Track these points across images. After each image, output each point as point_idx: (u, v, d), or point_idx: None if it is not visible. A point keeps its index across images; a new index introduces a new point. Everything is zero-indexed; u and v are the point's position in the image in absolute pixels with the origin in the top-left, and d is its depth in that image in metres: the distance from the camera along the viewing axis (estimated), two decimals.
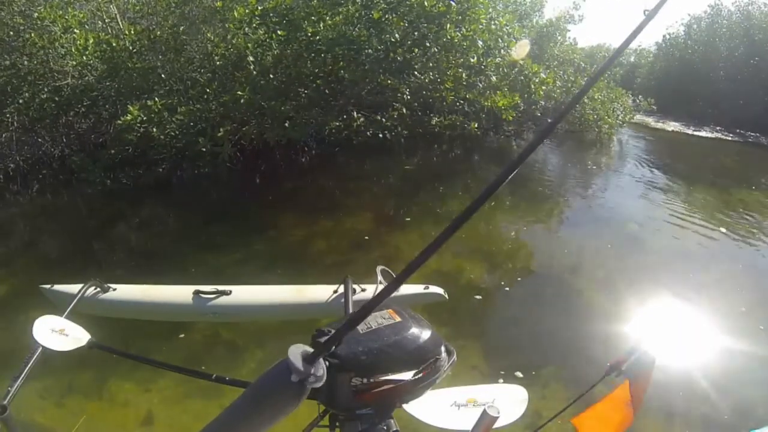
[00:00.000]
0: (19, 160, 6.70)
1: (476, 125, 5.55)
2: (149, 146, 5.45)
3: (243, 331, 3.14)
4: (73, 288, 2.07)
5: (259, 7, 5.37)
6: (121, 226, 5.40)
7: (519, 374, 2.81)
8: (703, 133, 12.52)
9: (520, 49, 5.66)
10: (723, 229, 5.18)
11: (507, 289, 3.89)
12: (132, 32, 5.91)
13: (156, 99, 5.22)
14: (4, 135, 6.52)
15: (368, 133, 5.36)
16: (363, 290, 1.99)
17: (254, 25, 5.51)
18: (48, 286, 2.19)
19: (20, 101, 6.22)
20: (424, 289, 2.08)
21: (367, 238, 4.69)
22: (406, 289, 2.10)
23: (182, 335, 3.10)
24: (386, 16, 5.31)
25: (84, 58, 6.02)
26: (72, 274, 4.02)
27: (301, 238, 4.69)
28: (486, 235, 4.85)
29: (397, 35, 5.23)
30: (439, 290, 2.10)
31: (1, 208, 6.17)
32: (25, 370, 1.39)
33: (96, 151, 6.43)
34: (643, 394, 1.09)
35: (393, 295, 1.70)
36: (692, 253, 4.59)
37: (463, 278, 3.96)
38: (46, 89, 6.26)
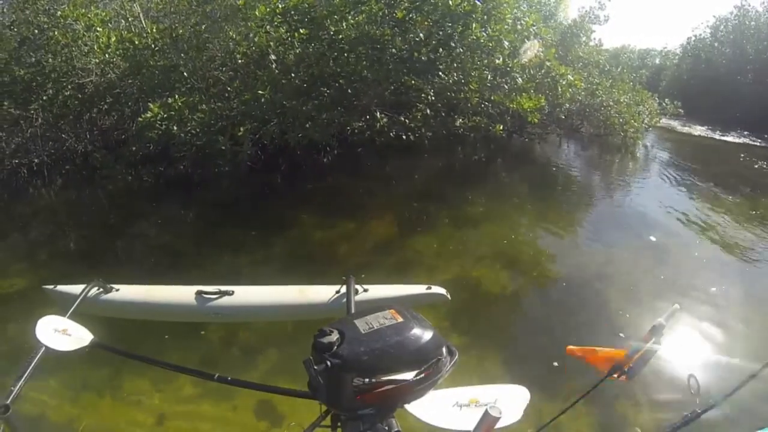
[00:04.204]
0: (43, 155, 6.79)
1: (501, 127, 5.42)
2: (170, 144, 5.46)
3: (257, 332, 3.11)
4: (76, 288, 2.07)
5: (281, 5, 5.33)
6: (142, 223, 5.40)
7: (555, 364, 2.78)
8: (729, 138, 12.16)
9: (529, 51, 5.52)
10: (752, 239, 4.96)
11: (528, 295, 3.78)
12: (154, 30, 5.93)
13: (177, 97, 5.21)
14: (29, 131, 6.61)
15: (391, 133, 5.27)
16: (366, 290, 1.99)
17: (276, 23, 5.48)
18: (51, 286, 2.20)
19: (44, 98, 6.30)
20: (426, 289, 2.07)
21: (388, 240, 4.60)
22: (408, 289, 2.11)
23: (196, 336, 3.07)
24: (410, 15, 5.23)
25: (106, 56, 6.08)
26: (90, 270, 4.06)
27: (322, 239, 4.63)
28: (510, 240, 4.72)
29: (421, 35, 5.14)
30: (442, 290, 2.09)
31: (25, 202, 6.26)
32: (28, 370, 1.39)
33: (119, 147, 6.49)
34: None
35: (395, 295, 1.74)
36: (720, 264, 4.39)
37: (484, 283, 3.85)
38: (69, 86, 6.33)
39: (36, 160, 6.76)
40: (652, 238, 4.84)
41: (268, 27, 5.59)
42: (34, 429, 2.34)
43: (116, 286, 2.14)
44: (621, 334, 3.01)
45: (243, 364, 2.90)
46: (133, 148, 5.89)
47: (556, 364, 2.83)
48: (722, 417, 2.36)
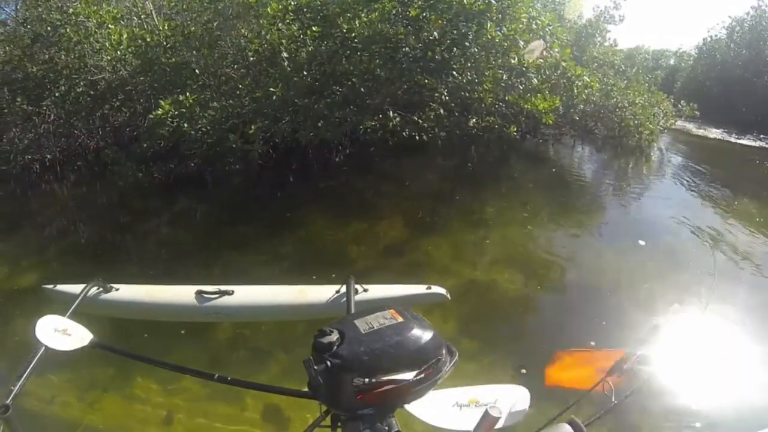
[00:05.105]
0: (56, 151, 6.83)
1: (515, 128, 5.32)
2: (181, 141, 5.44)
3: (264, 333, 3.07)
4: (76, 288, 2.07)
5: (293, 3, 5.29)
6: (152, 220, 5.40)
7: (524, 371, 2.75)
8: (745, 141, 11.93)
9: (535, 52, 5.40)
10: (764, 246, 4.82)
11: (541, 300, 3.70)
12: (166, 28, 5.92)
13: (188, 94, 5.19)
14: (42, 127, 6.65)
15: (404, 133, 5.20)
16: (365, 290, 1.98)
17: (288, 20, 5.44)
18: (50, 285, 2.21)
19: (57, 94, 6.33)
20: (426, 289, 2.06)
21: (400, 242, 4.54)
22: (408, 289, 2.10)
23: (203, 337, 3.03)
24: (424, 14, 5.16)
25: (118, 53, 6.09)
26: (99, 267, 4.08)
27: (333, 240, 4.58)
28: (523, 243, 4.64)
29: (435, 33, 5.07)
30: (442, 290, 2.08)
31: (37, 197, 6.30)
32: (28, 370, 1.39)
33: (131, 144, 6.51)
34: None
35: (395, 295, 1.75)
36: (733, 269, 4.25)
37: (496, 288, 3.77)
38: (81, 83, 6.35)
39: (48, 156, 6.81)
40: (667, 243, 4.73)
41: (280, 24, 5.55)
42: (35, 429, 2.32)
43: (116, 286, 2.14)
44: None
45: (252, 366, 2.86)
46: (144, 145, 5.88)
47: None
48: (721, 419, 2.42)
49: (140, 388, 2.62)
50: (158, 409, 2.51)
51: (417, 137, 5.28)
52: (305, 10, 5.32)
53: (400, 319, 0.94)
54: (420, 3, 5.14)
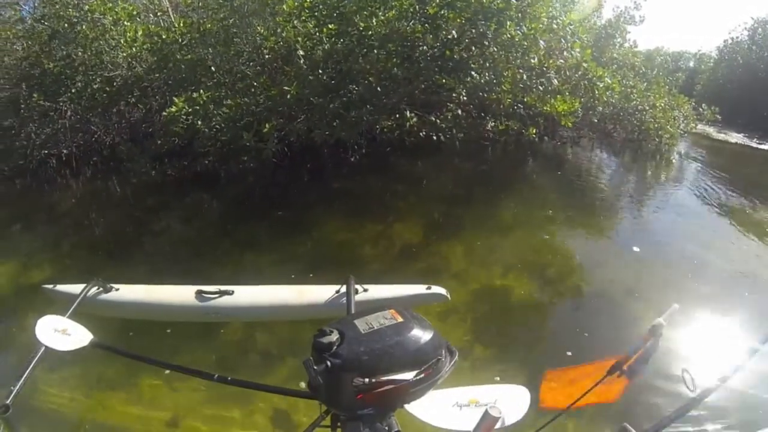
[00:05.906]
0: (72, 146, 6.90)
1: (534, 130, 5.21)
2: (195, 138, 5.43)
3: (273, 335, 3.04)
4: (76, 288, 2.09)
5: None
6: (164, 217, 5.41)
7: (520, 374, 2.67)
8: (767, 146, 11.65)
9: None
10: None
11: (557, 308, 3.61)
12: (182, 25, 5.92)
13: (201, 91, 5.17)
14: (59, 122, 6.71)
15: (421, 134, 5.12)
16: (366, 290, 1.99)
17: (304, 18, 5.40)
18: (51, 285, 2.22)
19: (73, 90, 6.38)
20: (426, 289, 2.06)
21: (415, 245, 4.46)
22: (408, 289, 2.09)
23: (210, 339, 2.99)
24: (442, 12, 5.07)
25: (133, 49, 6.10)
26: (108, 264, 4.10)
27: (346, 241, 4.51)
28: (539, 248, 4.53)
29: (453, 32, 4.98)
30: (442, 290, 2.09)
31: (53, 191, 6.37)
32: (28, 370, 1.41)
33: (146, 140, 6.54)
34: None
35: (395, 295, 1.72)
36: (757, 280, 4.11)
37: (512, 294, 3.68)
38: (98, 79, 6.39)
39: (65, 151, 6.90)
40: (686, 252, 4.58)
41: (296, 22, 5.51)
42: (35, 429, 2.32)
43: (116, 286, 2.15)
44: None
45: (259, 368, 2.82)
46: (159, 142, 5.91)
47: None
48: (722, 417, 2.36)
49: (144, 389, 2.59)
50: (163, 411, 2.47)
51: (435, 137, 5.19)
52: (321, 7, 5.27)
53: (400, 319, 0.94)
54: (438, 1, 5.05)
